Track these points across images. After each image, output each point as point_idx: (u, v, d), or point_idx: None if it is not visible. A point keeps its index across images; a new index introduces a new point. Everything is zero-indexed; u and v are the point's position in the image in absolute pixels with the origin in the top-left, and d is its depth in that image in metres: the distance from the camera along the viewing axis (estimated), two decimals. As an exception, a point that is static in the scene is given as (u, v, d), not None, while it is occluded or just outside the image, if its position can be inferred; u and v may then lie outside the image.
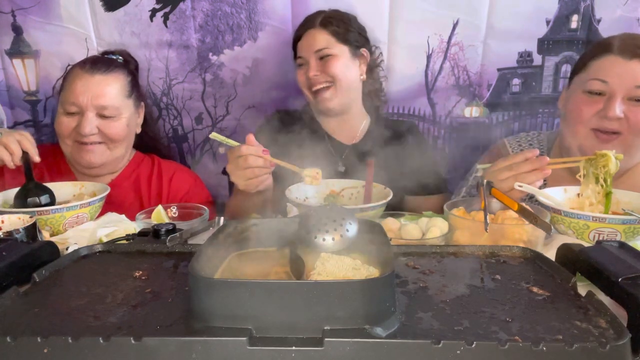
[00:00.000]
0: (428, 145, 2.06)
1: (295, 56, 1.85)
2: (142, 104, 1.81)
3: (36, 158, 1.48)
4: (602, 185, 1.30)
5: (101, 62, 1.69)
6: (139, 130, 1.80)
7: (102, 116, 1.64)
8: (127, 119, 1.70)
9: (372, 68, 1.90)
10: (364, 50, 1.84)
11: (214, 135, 1.45)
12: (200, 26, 1.92)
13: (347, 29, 1.81)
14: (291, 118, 1.92)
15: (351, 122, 1.91)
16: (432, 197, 1.85)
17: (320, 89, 1.78)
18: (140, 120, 1.80)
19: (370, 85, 1.91)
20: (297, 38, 1.84)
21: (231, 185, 1.85)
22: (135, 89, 1.76)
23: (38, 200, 1.41)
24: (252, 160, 1.38)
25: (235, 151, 1.41)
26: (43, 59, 1.96)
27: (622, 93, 1.42)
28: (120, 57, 1.79)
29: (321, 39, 1.77)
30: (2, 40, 1.94)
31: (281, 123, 1.86)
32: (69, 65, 1.81)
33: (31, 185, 1.45)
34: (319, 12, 1.83)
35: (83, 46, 1.92)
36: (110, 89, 1.65)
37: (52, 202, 1.44)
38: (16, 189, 1.45)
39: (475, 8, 1.88)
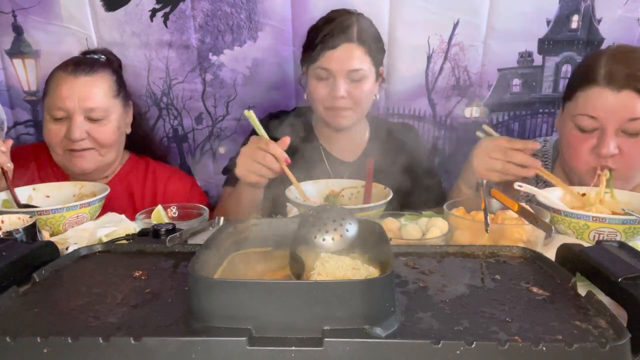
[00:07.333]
0: (427, 150, 1.94)
1: (310, 59, 1.61)
2: (130, 102, 1.77)
3: (5, 166, 1.39)
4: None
5: (84, 63, 1.65)
6: (128, 130, 1.75)
7: (90, 119, 1.60)
8: (116, 120, 1.65)
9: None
10: (382, 70, 1.69)
11: (247, 112, 1.36)
12: (200, 26, 1.92)
13: (377, 46, 1.61)
14: (284, 124, 1.65)
15: (354, 137, 1.75)
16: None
17: (341, 110, 1.62)
18: (130, 120, 1.76)
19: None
20: (326, 45, 1.56)
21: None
22: (122, 88, 1.71)
23: None
24: (270, 160, 1.33)
25: (262, 143, 1.34)
26: (43, 59, 1.95)
27: (614, 127, 1.34)
28: (103, 56, 1.75)
29: (359, 57, 1.56)
30: (3, 40, 1.94)
31: (273, 131, 1.57)
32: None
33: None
34: (347, 18, 1.59)
35: (84, 46, 1.91)
36: (97, 90, 1.61)
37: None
38: (16, 189, 1.44)
39: (476, 8, 1.88)
